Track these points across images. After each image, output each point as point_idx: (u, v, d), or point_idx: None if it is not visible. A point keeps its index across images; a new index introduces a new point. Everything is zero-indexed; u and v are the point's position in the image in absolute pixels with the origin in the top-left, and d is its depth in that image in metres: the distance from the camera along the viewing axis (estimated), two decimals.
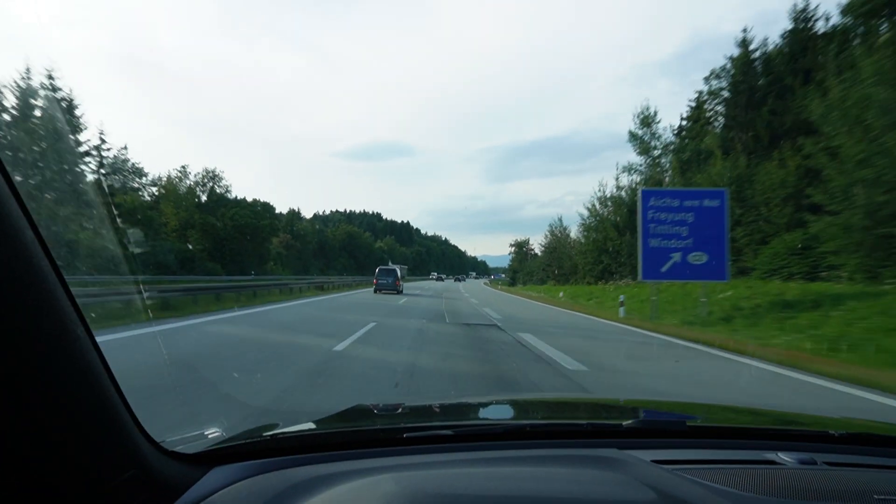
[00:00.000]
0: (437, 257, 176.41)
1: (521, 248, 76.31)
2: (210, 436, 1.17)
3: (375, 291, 27.31)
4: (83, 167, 27.91)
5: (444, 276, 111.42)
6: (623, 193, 33.70)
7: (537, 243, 65.92)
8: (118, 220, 22.23)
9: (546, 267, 51.29)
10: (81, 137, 29.72)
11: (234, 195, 44.58)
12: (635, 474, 0.97)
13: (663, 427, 1.31)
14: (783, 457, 1.10)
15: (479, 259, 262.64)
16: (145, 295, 12.66)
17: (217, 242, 39.10)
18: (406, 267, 77.87)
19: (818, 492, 0.95)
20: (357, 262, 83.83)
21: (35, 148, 22.99)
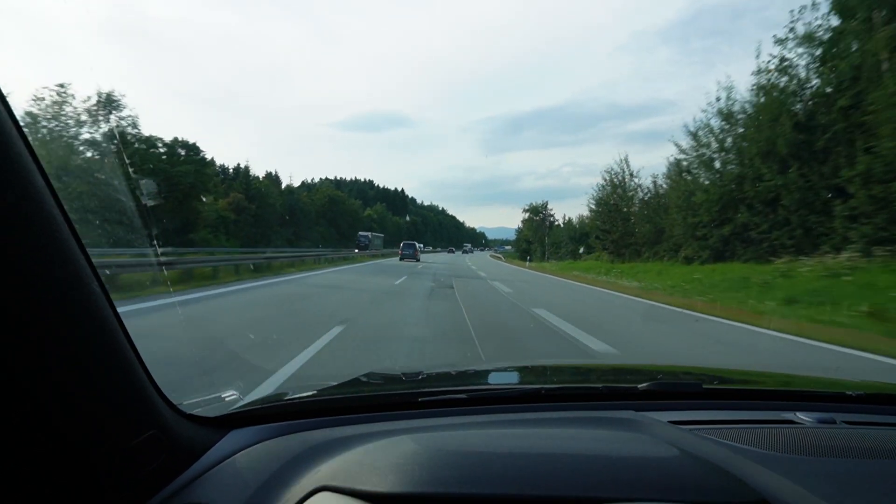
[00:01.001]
0: (434, 228, 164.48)
1: (536, 213, 62.11)
2: (227, 399, 1.19)
3: (401, 259, 37.78)
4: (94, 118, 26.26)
5: (453, 249, 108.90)
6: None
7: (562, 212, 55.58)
8: (131, 170, 20.98)
9: (602, 233, 33.38)
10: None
11: (148, 135, 34.07)
12: (654, 434, 0.97)
13: (679, 389, 1.28)
14: (802, 416, 1.11)
15: (477, 230, 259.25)
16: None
17: None
18: (381, 236, 63.75)
19: (840, 449, 0.95)
20: (339, 230, 73.45)
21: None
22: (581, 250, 39.82)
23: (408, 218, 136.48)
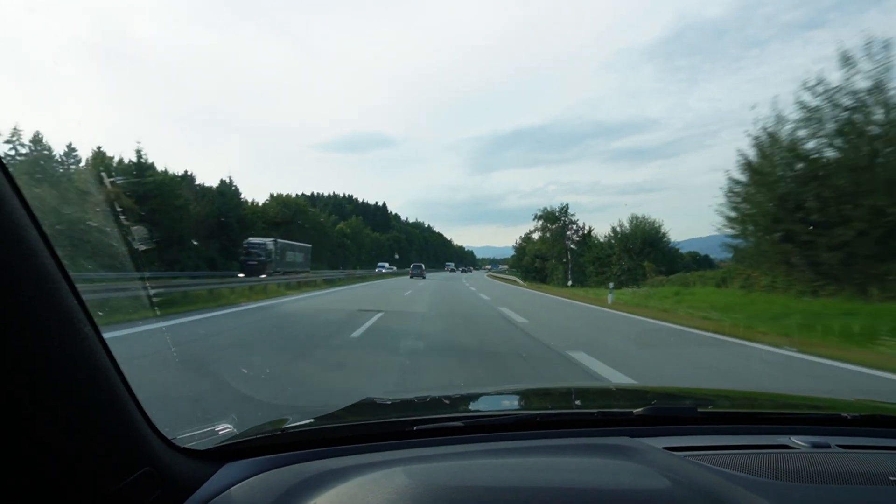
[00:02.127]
0: (420, 245, 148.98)
1: (553, 220, 47.20)
2: (221, 432, 1.17)
3: (411, 277, 44.70)
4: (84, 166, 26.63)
5: (453, 267, 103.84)
6: None
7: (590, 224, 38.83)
8: (122, 216, 21.69)
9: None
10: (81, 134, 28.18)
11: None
12: (648, 462, 0.97)
13: (674, 414, 1.28)
14: (796, 441, 1.11)
15: (465, 249, 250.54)
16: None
17: None
18: (307, 247, 39.97)
19: (833, 475, 0.95)
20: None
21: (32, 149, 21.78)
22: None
23: (395, 233, 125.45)
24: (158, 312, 11.60)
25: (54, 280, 0.66)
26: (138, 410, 0.80)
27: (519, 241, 67.20)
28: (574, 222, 47.09)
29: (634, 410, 1.21)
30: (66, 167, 36.32)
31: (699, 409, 1.28)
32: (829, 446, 1.09)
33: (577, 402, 1.78)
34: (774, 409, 1.54)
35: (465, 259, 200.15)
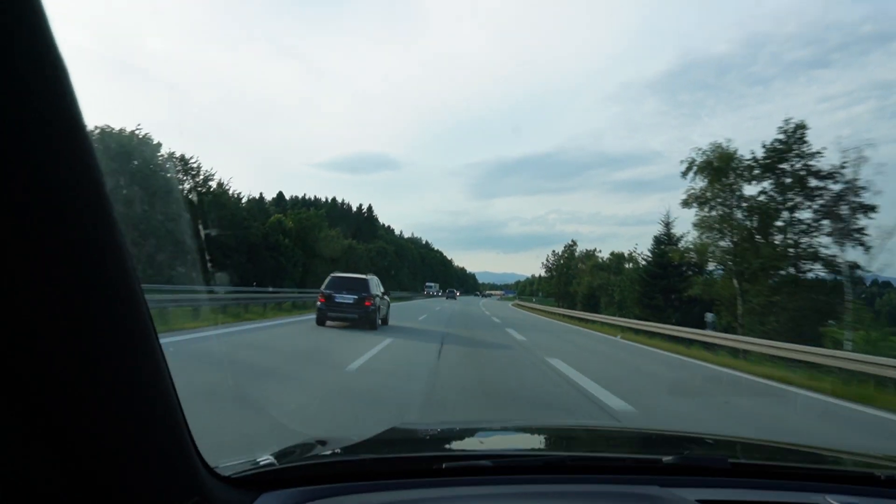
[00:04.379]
0: (414, 263, 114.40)
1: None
2: (262, 463, 1.14)
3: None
4: (184, 213, 28.32)
5: (434, 289, 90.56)
6: None
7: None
8: (209, 264, 22.02)
9: None
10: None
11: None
12: None
13: (705, 464, 1.25)
14: (830, 500, 1.08)
15: (468, 272, 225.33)
16: None
17: None
18: None
19: None
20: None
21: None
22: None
23: (382, 243, 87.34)
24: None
25: (131, 289, 0.62)
26: (190, 438, 0.79)
27: (549, 261, 64.90)
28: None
29: (664, 458, 1.18)
30: None
31: (731, 461, 1.25)
32: None
33: (606, 446, 1.81)
34: (807, 463, 1.51)
35: (466, 283, 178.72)
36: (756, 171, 23.64)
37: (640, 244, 50.59)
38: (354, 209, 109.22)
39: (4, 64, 0.46)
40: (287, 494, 1.01)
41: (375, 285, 14.22)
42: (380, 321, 13.93)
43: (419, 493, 1.05)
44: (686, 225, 52.30)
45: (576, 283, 52.77)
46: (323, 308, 13.06)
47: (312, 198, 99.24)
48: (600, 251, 60.29)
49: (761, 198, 23.74)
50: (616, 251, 51.30)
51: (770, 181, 23.46)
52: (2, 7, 0.45)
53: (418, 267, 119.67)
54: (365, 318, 13.03)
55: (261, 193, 70.79)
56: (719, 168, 24.34)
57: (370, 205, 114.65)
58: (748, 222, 24.41)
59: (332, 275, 14.09)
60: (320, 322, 13.17)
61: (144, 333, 0.65)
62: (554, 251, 67.20)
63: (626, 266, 46.04)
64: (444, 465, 1.13)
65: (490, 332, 15.84)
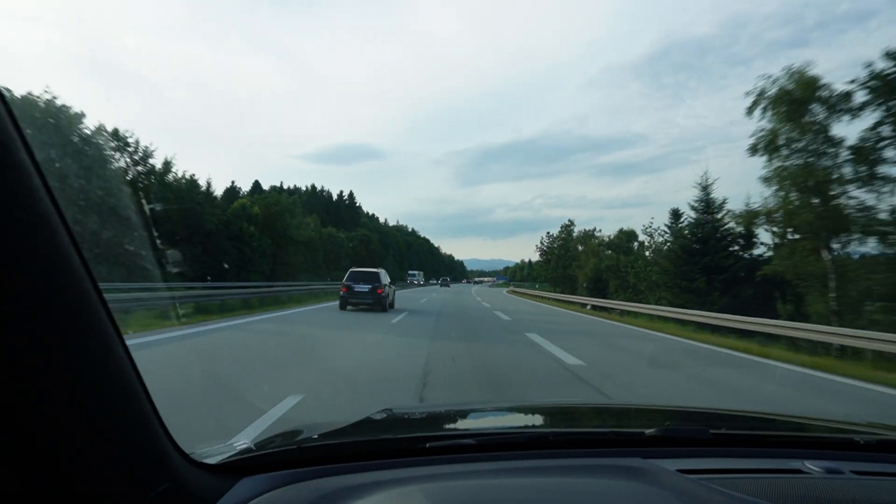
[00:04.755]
0: (399, 251, 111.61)
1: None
2: (237, 446, 1.15)
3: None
4: (124, 187, 26.69)
5: (418, 277, 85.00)
6: None
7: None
8: (158, 241, 22.71)
9: None
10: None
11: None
12: (662, 485, 0.96)
13: (687, 436, 1.26)
14: (809, 465, 1.10)
15: (455, 259, 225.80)
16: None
17: None
18: None
19: (847, 501, 0.95)
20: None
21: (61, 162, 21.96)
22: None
23: (365, 231, 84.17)
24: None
25: (82, 284, 0.63)
26: (159, 422, 0.79)
27: (543, 244, 61.53)
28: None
29: (647, 431, 1.21)
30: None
31: (712, 431, 1.26)
32: (842, 472, 1.08)
33: (589, 421, 1.81)
34: (787, 431, 1.54)
35: (456, 271, 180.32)
36: (857, 101, 16.94)
37: (655, 218, 45.88)
38: (335, 197, 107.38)
39: None
40: (266, 478, 1.01)
41: (385, 276, 18.03)
42: (389, 305, 18.16)
43: (402, 472, 1.04)
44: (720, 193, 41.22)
45: (575, 266, 47.64)
46: (345, 296, 17.03)
47: (292, 186, 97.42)
48: (600, 230, 53.32)
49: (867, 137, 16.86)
50: (626, 228, 45.53)
51: (882, 110, 16.38)
52: None
53: (404, 255, 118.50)
54: (378, 303, 16.98)
55: (233, 182, 71.19)
56: (801, 99, 17.89)
57: (351, 191, 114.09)
58: (850, 170, 17.52)
59: (350, 269, 18.26)
60: (342, 307, 17.12)
61: (96, 319, 0.66)
62: (549, 233, 62.55)
63: (636, 244, 41.35)
64: (427, 445, 1.15)
65: (497, 335, 12.07)
